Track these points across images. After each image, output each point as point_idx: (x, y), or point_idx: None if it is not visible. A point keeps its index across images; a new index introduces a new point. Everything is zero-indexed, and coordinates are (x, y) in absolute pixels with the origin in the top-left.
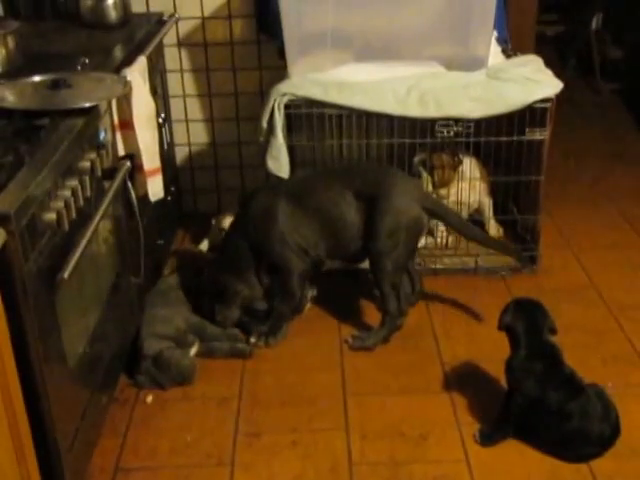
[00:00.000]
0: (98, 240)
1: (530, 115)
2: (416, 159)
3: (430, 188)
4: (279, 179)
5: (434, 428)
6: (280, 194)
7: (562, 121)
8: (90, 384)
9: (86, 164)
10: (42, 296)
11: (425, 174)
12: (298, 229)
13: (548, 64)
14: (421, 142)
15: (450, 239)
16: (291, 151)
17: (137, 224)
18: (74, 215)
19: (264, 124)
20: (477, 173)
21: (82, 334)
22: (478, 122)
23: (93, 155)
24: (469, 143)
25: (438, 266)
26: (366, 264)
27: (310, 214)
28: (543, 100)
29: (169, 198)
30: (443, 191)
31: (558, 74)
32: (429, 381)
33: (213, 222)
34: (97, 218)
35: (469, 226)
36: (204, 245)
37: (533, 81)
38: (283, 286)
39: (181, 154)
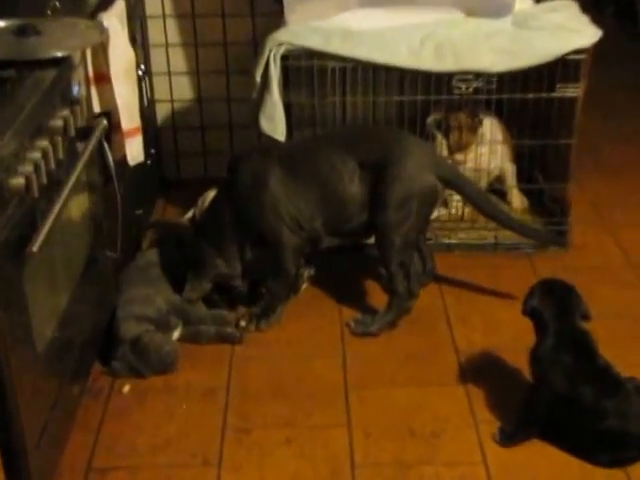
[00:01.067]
0: (71, 209)
1: (562, 69)
2: (430, 119)
3: (445, 153)
4: (273, 141)
5: (447, 425)
6: (273, 158)
7: (598, 76)
8: (60, 372)
9: (58, 123)
10: (8, 271)
11: (440, 137)
12: (292, 199)
13: (584, 10)
14: (436, 100)
15: (466, 210)
16: (288, 110)
17: (114, 191)
18: (44, 180)
19: (257, 78)
20: (499, 135)
21: (52, 315)
22: (501, 77)
23: (65, 112)
24: (491, 101)
25: (452, 241)
26: (371, 239)
27: (307, 183)
28: (577, 51)
29: (149, 162)
30: (460, 156)
31: (595, 21)
32: (442, 372)
33: (200, 202)
34: (70, 184)
35: (489, 201)
36: (188, 217)
37: (566, 29)
38: (275, 263)
39: (163, 112)
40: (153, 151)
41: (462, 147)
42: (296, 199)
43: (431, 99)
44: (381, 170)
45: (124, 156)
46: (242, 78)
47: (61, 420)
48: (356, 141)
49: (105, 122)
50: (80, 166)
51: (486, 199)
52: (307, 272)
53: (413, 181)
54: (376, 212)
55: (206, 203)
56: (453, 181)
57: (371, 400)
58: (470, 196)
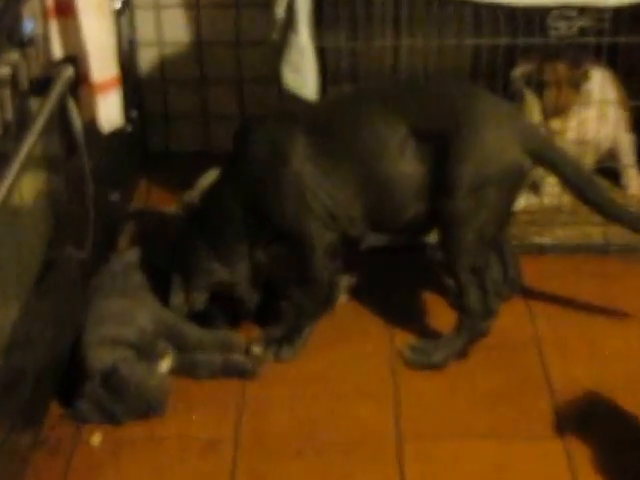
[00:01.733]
0: (22, 191)
1: None
2: (516, 72)
3: (537, 118)
4: (297, 102)
5: None
6: (297, 127)
7: None
8: (4, 415)
9: (4, 71)
10: None
11: (530, 96)
12: (323, 181)
13: None
14: (525, 45)
15: (565, 198)
16: (320, 57)
17: (81, 168)
18: None
19: (280, 12)
20: (612, 94)
21: None
22: (617, 13)
23: (15, 56)
24: (601, 46)
25: (546, 241)
26: (433, 237)
27: (342, 158)
28: None
29: (129, 129)
30: (557, 123)
31: None
32: (531, 420)
33: (199, 185)
34: (21, 156)
35: (596, 186)
36: (179, 205)
37: None
38: (302, 269)
39: (148, 60)
40: (134, 114)
41: (561, 110)
42: (328, 181)
43: (518, 44)
44: (445, 142)
45: (95, 119)
46: (257, 13)
47: None
48: (409, 100)
49: (70, 71)
50: (36, 131)
51: (591, 183)
52: (345, 281)
53: (491, 158)
54: (439, 200)
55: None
56: (547, 157)
57: (433, 457)
58: (570, 178)
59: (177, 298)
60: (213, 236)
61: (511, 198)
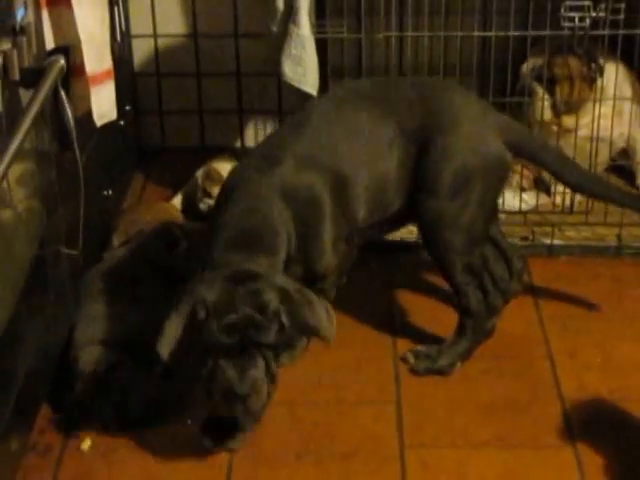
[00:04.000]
0: (12, 186)
1: None
2: (526, 67)
3: (547, 114)
4: (300, 96)
5: None
6: (298, 165)
7: None
8: None
9: None
10: None
11: (541, 92)
12: (339, 205)
13: None
14: (536, 37)
15: (577, 199)
16: (322, 49)
17: (74, 162)
18: None
19: (280, 3)
20: (627, 90)
21: None
22: (633, 4)
23: (6, 46)
24: (615, 39)
25: (556, 242)
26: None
27: (344, 172)
28: None
29: (122, 123)
30: (570, 120)
31: None
32: (540, 428)
33: (200, 175)
34: (12, 149)
35: (580, 170)
36: (176, 203)
37: None
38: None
39: (143, 52)
40: (128, 108)
41: (573, 106)
42: (341, 201)
43: (528, 36)
44: (427, 140)
45: (89, 112)
46: (255, 4)
47: None
48: (393, 98)
49: (62, 62)
50: (26, 123)
51: (575, 167)
52: None
53: (473, 152)
54: (424, 202)
55: (200, 181)
56: (527, 149)
57: (437, 465)
58: (552, 165)
59: (168, 336)
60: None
61: (496, 193)
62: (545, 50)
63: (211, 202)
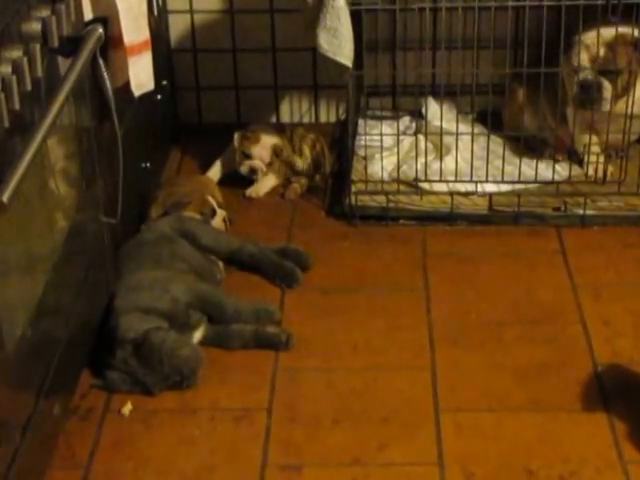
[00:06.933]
0: (51, 153)
1: None
2: (584, 60)
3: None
4: (336, 67)
5: (582, 467)
6: None
7: None
8: (35, 383)
9: (35, 26)
10: None
11: (610, 86)
12: None
13: None
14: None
15: (610, 168)
16: (356, 21)
17: (113, 133)
18: (17, 105)
19: None
20: None
21: (24, 303)
22: None
23: (46, 12)
24: None
25: (589, 212)
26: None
27: None
28: None
29: (159, 97)
30: (622, 104)
31: None
32: (574, 392)
33: (236, 138)
34: (52, 115)
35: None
36: (214, 172)
37: None
38: None
39: (179, 28)
40: (165, 83)
41: (626, 91)
42: None
43: (562, 5)
44: None
45: (127, 83)
46: None
47: (36, 449)
48: None
49: (101, 31)
50: (65, 91)
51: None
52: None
53: None
54: None
55: (237, 144)
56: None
57: (472, 429)
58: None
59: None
60: None
61: None
62: (596, 35)
63: (252, 163)
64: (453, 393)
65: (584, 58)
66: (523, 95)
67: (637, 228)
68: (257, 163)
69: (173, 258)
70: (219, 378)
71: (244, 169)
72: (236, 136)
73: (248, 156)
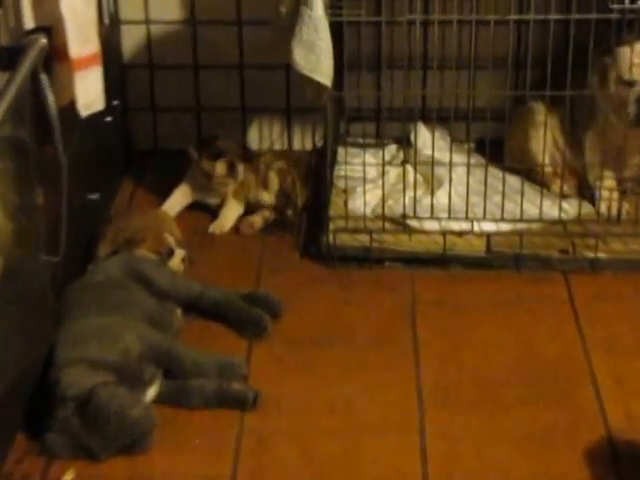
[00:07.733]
0: None
1: None
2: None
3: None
4: (313, 88)
5: None
6: None
7: None
8: None
9: None
10: None
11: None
12: None
13: None
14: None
15: (626, 206)
16: (336, 34)
17: (56, 159)
18: None
19: None
20: None
21: None
22: None
23: None
24: None
25: (600, 255)
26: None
27: None
28: None
29: (109, 119)
30: None
31: None
32: (585, 461)
33: (193, 155)
34: None
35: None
36: (172, 205)
37: None
38: None
39: (133, 40)
40: (116, 102)
41: None
42: None
43: (571, 20)
44: None
45: (73, 101)
46: None
47: None
48: None
49: (44, 41)
50: (2, 109)
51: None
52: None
53: None
54: None
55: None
56: None
57: None
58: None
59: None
60: None
61: None
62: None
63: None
64: (445, 463)
65: (637, 72)
66: (545, 115)
67: None
68: (234, 159)
69: (124, 304)
70: (176, 442)
71: (220, 169)
72: (193, 152)
73: (219, 154)
